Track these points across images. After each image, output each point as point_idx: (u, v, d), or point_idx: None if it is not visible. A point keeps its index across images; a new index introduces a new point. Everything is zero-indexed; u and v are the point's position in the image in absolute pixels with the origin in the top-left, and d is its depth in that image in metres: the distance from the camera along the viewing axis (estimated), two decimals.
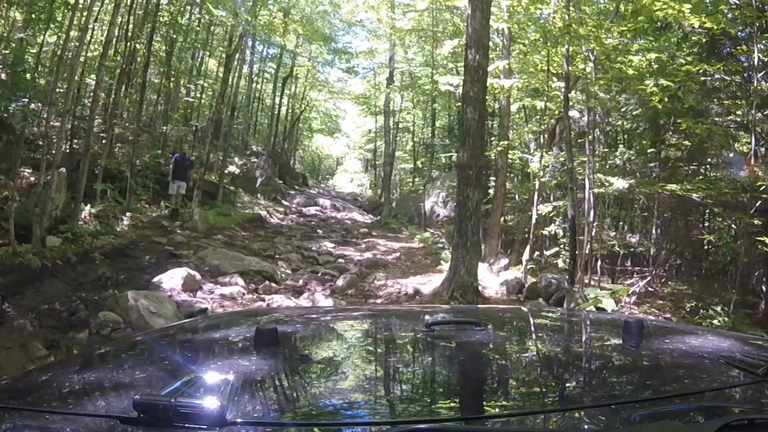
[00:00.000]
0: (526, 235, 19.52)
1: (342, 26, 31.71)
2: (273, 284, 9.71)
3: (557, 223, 16.98)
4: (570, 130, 10.87)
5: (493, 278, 11.49)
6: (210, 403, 0.94)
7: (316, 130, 39.41)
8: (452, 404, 1.25)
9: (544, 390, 1.32)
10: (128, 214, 13.47)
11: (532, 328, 2.03)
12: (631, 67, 10.17)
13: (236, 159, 24.67)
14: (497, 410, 1.17)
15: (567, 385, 1.37)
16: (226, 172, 20.28)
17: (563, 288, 9.72)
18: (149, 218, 13.93)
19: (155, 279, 8.80)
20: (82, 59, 16.88)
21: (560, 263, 16.39)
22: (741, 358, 1.39)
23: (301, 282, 10.28)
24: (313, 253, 13.59)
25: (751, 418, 1.00)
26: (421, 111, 30.92)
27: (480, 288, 9.55)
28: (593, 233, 12.77)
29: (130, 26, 17.33)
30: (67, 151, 14.32)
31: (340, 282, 10.16)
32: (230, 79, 20.76)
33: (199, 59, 24.27)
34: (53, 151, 10.93)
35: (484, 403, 1.24)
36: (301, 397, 1.22)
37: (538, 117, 18.15)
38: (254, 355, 1.45)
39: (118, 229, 12.46)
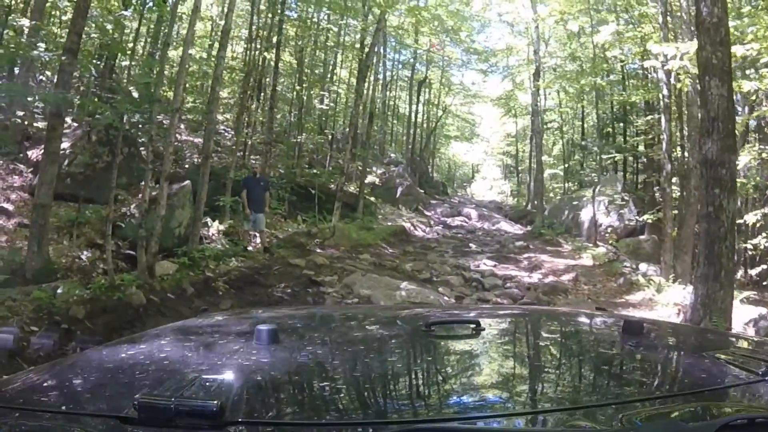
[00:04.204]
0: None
1: (477, 25, 29.79)
2: None
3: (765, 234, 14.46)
4: None
5: None
6: (210, 403, 0.90)
7: (453, 136, 37.72)
8: (452, 404, 1.18)
9: (544, 390, 1.27)
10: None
11: (533, 329, 1.97)
12: None
13: (375, 168, 23.20)
14: (497, 410, 1.12)
15: (567, 384, 1.33)
16: (365, 182, 18.71)
17: None
18: (285, 234, 12.33)
19: None
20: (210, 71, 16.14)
21: None
22: (741, 357, 1.33)
23: None
24: (475, 273, 11.39)
25: (751, 417, 0.97)
26: (570, 110, 28.17)
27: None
28: None
29: (258, 34, 16.36)
30: (195, 163, 13.13)
31: None
32: (365, 84, 19.29)
33: (331, 66, 23.29)
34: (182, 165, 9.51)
35: (485, 402, 1.18)
36: (301, 397, 1.19)
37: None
38: (254, 355, 1.36)
39: (250, 248, 10.89)
